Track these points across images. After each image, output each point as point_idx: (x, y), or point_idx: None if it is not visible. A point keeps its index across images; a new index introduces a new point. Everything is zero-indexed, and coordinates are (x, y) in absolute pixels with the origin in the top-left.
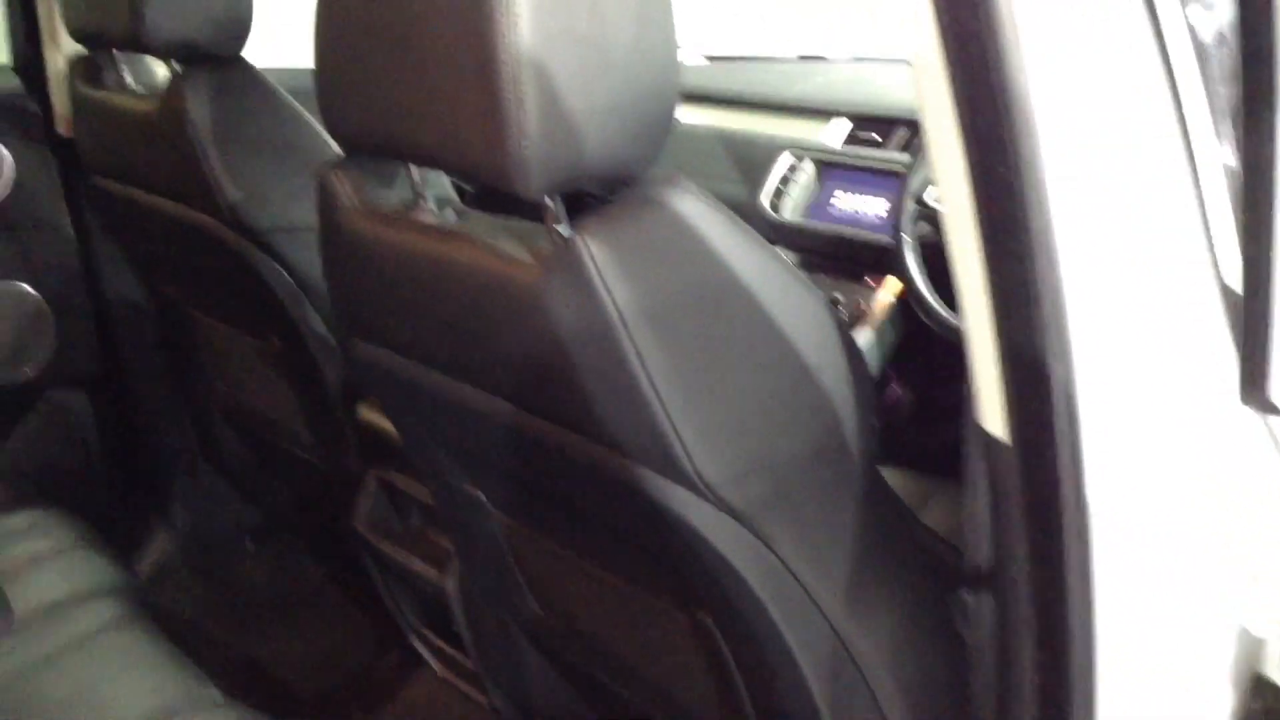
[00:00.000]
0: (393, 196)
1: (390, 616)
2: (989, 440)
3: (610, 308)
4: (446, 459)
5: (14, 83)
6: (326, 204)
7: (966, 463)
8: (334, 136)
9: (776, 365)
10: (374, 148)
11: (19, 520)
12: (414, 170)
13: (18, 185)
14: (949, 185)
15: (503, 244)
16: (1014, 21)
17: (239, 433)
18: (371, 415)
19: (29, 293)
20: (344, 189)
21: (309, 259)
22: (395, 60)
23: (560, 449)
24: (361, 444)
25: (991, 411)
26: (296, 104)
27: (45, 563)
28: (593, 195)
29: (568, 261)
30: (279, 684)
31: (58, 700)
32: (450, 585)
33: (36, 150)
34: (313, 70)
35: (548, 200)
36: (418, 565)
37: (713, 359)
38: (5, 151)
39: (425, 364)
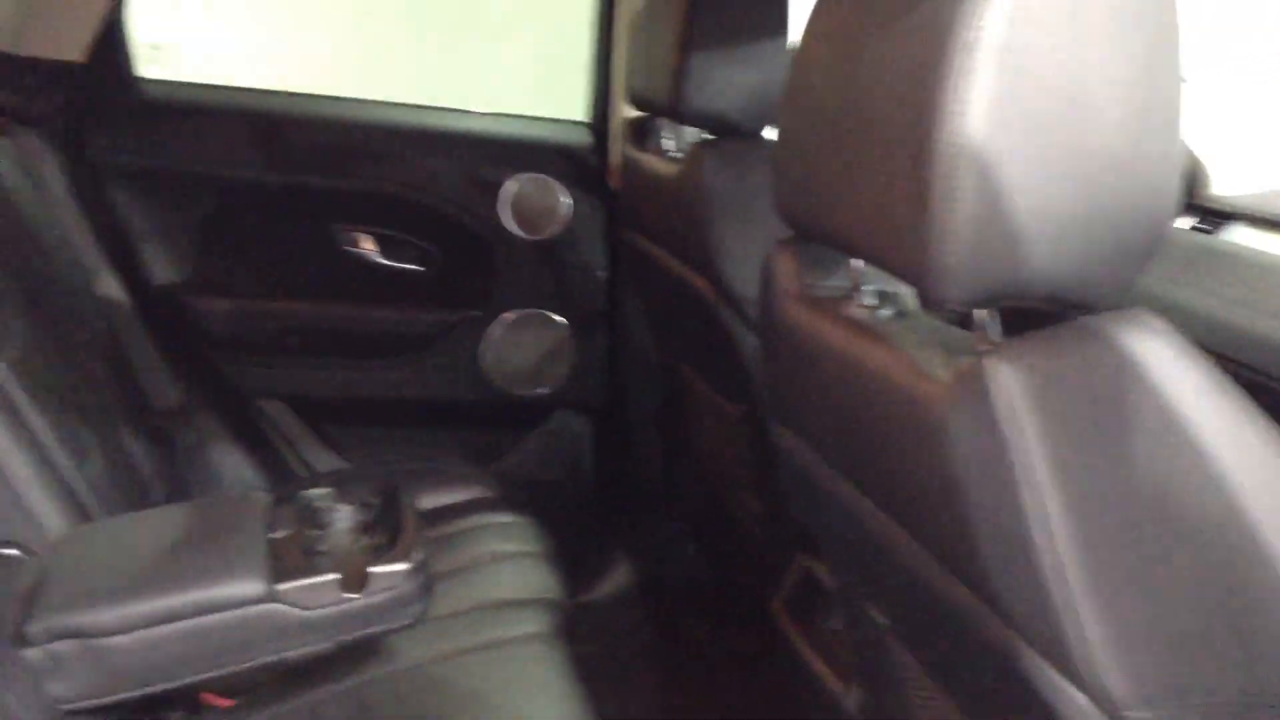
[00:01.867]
0: (832, 283)
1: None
2: None
3: (1014, 450)
4: (851, 572)
5: (586, 138)
6: (767, 281)
7: None
8: (781, 216)
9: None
10: (815, 233)
11: (501, 519)
12: (854, 259)
13: (569, 227)
14: None
15: (925, 354)
16: None
17: (700, 486)
18: None
19: (557, 321)
20: (784, 269)
21: None
22: (840, 142)
23: (946, 595)
24: (794, 528)
25: None
26: None
27: (505, 563)
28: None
29: (976, 386)
30: None
31: (465, 692)
32: (851, 705)
33: (590, 199)
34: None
35: (977, 313)
36: (821, 668)
37: (1146, 545)
38: (567, 196)
39: (830, 465)
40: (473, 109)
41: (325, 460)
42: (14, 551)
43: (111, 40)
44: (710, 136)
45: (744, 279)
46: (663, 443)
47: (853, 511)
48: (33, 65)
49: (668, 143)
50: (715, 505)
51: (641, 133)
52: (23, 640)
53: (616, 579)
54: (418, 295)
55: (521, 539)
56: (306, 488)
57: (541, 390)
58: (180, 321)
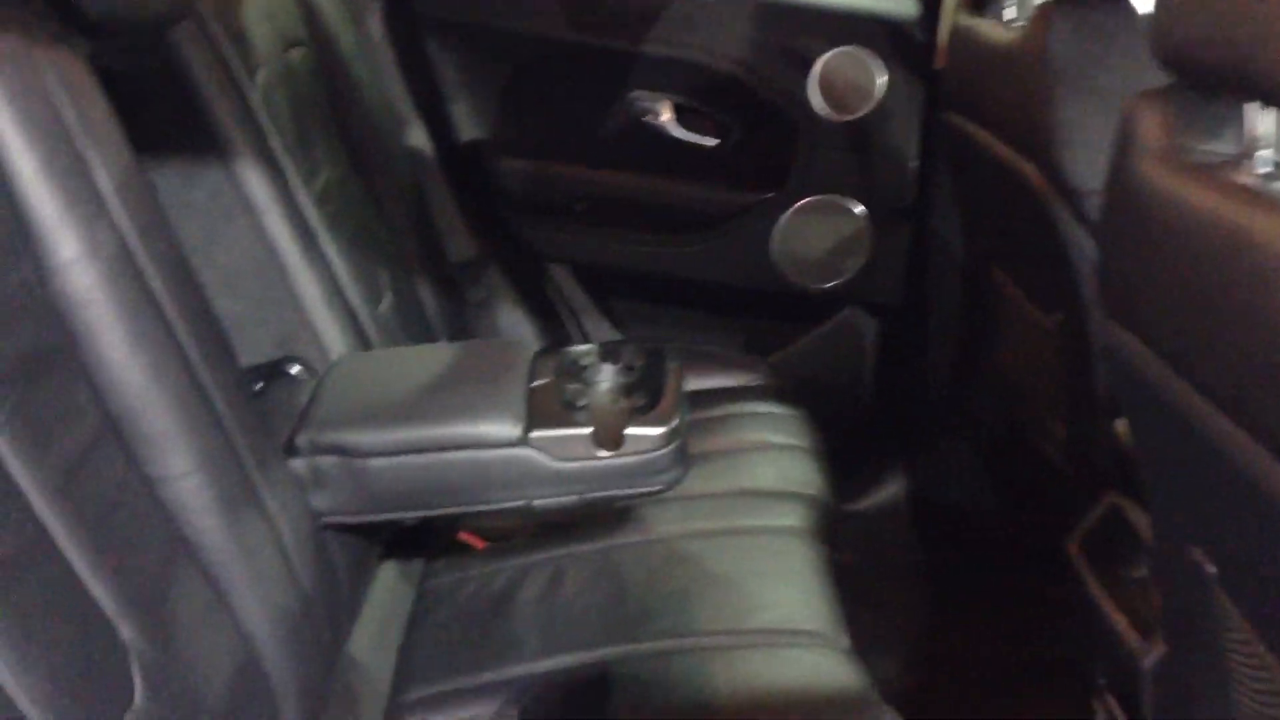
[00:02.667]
0: (1214, 146)
1: (1065, 658)
2: None
3: None
4: (1180, 506)
5: (912, 9)
6: (1123, 140)
7: None
8: (1158, 53)
9: None
10: (1207, 74)
11: (771, 409)
12: (1250, 113)
13: (882, 108)
14: None
15: None
16: None
17: (996, 405)
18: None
19: (855, 210)
20: (1150, 125)
21: None
22: None
23: None
24: (1108, 461)
25: None
26: None
27: (769, 453)
28: None
29: None
30: (901, 668)
31: (712, 572)
32: (1147, 663)
33: (909, 77)
34: None
35: None
36: (1118, 620)
37: None
38: (883, 73)
39: (1182, 375)
40: None
41: (602, 330)
42: (298, 369)
43: None
44: None
45: (1085, 168)
46: (958, 353)
47: (1203, 431)
48: None
49: (1009, 10)
50: (1012, 428)
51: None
52: (291, 450)
53: (886, 490)
54: (711, 171)
55: (790, 432)
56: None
57: (831, 283)
58: (479, 178)
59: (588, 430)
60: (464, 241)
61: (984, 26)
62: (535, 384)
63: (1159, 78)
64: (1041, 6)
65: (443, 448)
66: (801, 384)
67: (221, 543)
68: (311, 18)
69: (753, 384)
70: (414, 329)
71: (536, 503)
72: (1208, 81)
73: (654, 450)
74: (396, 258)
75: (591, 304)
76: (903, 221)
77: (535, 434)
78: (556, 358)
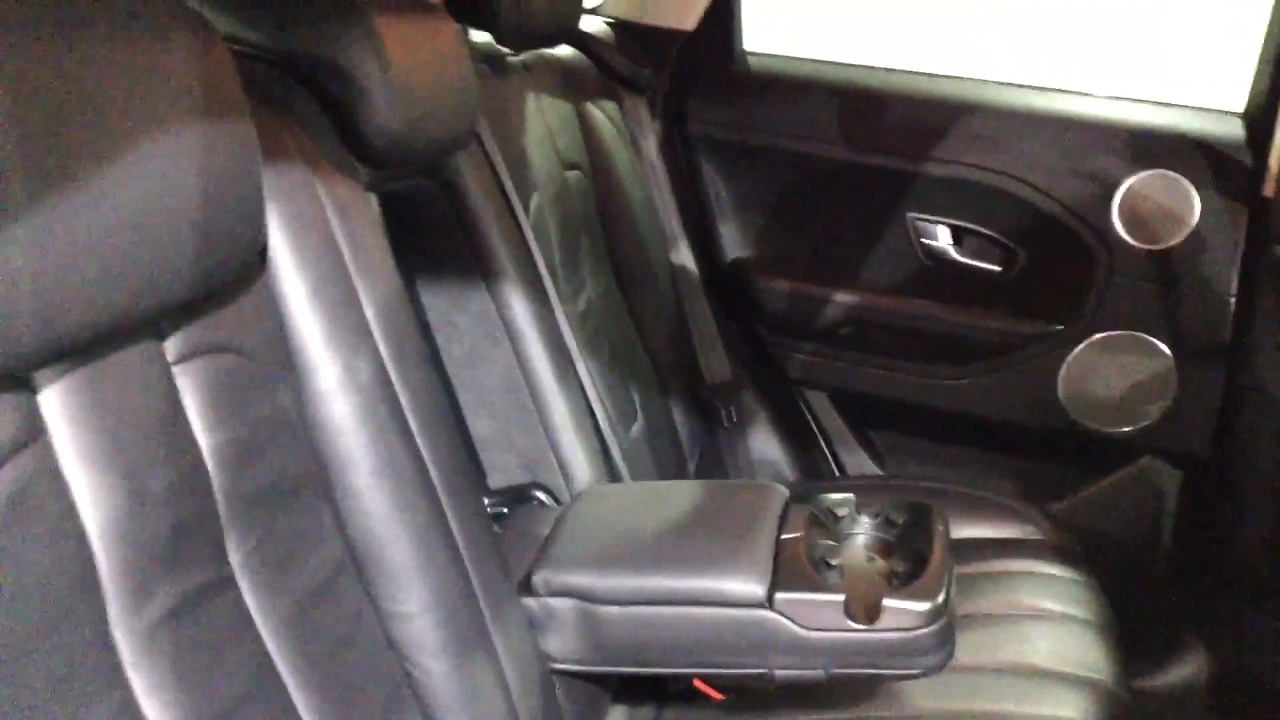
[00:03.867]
0: None
1: None
2: None
3: None
4: None
5: (1237, 131)
6: None
7: None
8: None
9: None
10: None
11: (1050, 569)
12: None
13: (1196, 237)
14: None
15: None
16: None
17: None
18: None
19: (1160, 349)
20: None
21: None
22: None
23: None
24: None
25: None
26: None
27: (1047, 624)
28: None
29: None
30: None
31: None
32: None
33: (1230, 204)
34: None
35: None
36: None
37: None
38: (1199, 199)
39: None
40: (1088, 90)
41: (857, 461)
42: (543, 496)
43: (722, 12)
44: None
45: None
46: (1277, 517)
47: None
48: (647, 34)
49: None
50: None
51: None
52: (526, 588)
53: (1184, 668)
54: (992, 299)
55: (1072, 599)
56: (830, 489)
57: (1128, 429)
58: (741, 298)
59: (840, 597)
60: (721, 363)
61: None
62: (785, 536)
63: None
64: None
65: (681, 602)
66: (1086, 539)
67: (447, 686)
68: (590, 140)
69: (1030, 537)
70: (664, 452)
71: (778, 673)
72: None
73: (915, 629)
74: (651, 378)
75: (850, 433)
76: (1215, 364)
77: (781, 596)
78: (811, 506)
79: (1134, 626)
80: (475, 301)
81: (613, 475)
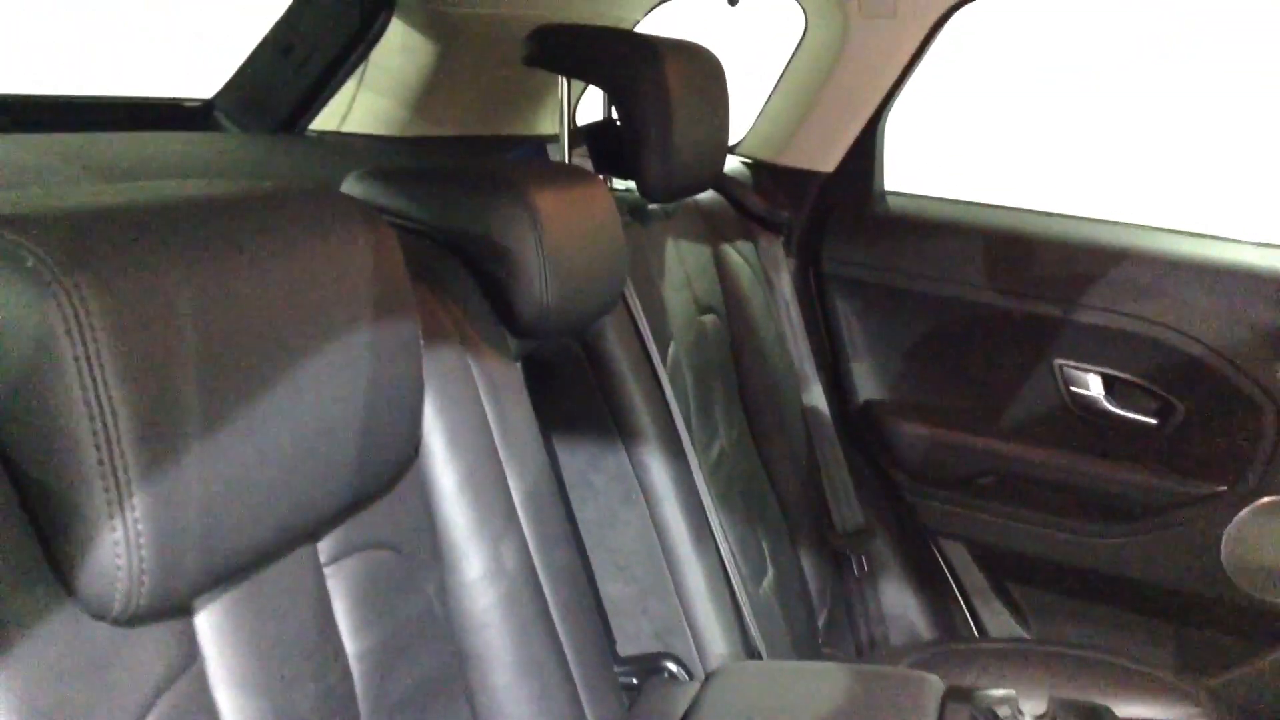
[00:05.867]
0: None
1: None
2: None
3: None
4: None
5: None
6: None
7: None
8: None
9: None
10: None
11: None
12: None
13: None
14: None
15: None
16: None
17: None
18: None
19: None
20: None
21: None
22: None
23: None
24: None
25: None
26: None
27: None
28: None
29: None
30: None
31: None
32: None
33: None
34: None
35: None
36: None
37: None
38: None
39: None
40: (1242, 238)
41: (1000, 622)
42: (674, 668)
43: (863, 152)
44: None
45: None
46: None
47: None
48: (787, 175)
49: None
50: None
51: None
52: None
53: None
54: (1147, 455)
55: None
56: (970, 654)
57: None
58: (876, 443)
59: None
60: (853, 509)
61: None
62: None
63: None
64: None
65: None
66: (1249, 718)
67: None
68: (726, 282)
69: (1189, 716)
70: (794, 606)
71: None
72: None
73: None
74: (782, 526)
75: (990, 590)
76: None
77: None
78: (971, 707)
79: None
80: (612, 461)
81: (746, 642)
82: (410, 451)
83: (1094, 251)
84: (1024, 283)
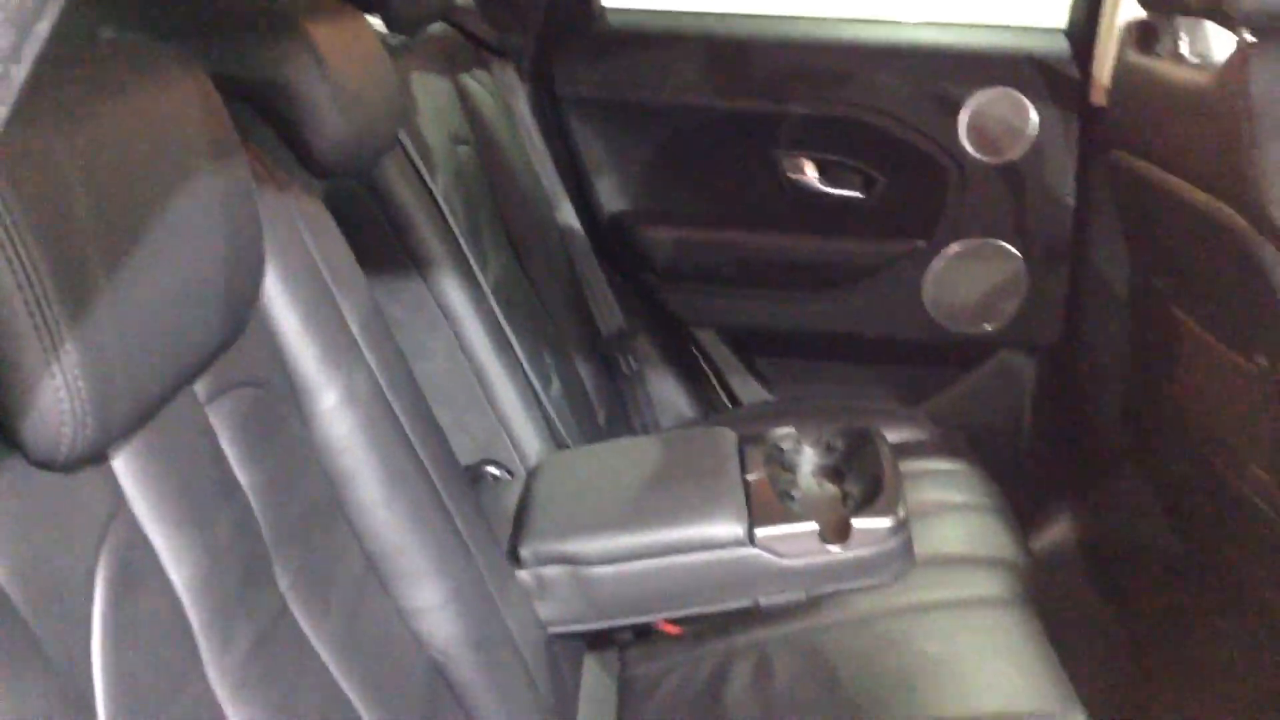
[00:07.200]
0: None
1: None
2: None
3: None
4: None
5: (1062, 46)
6: None
7: None
8: None
9: None
10: None
11: (942, 465)
12: None
13: (1036, 149)
14: None
15: None
16: None
17: (1179, 446)
18: None
19: (1011, 252)
20: None
21: None
22: None
23: None
24: None
25: None
26: None
27: (950, 515)
28: None
29: None
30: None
31: (925, 654)
32: None
33: (1063, 116)
34: None
35: None
36: None
37: None
38: (1035, 113)
39: None
40: (930, 19)
41: (750, 391)
42: (495, 471)
43: None
44: (1253, 39)
45: None
46: (1125, 393)
47: None
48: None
49: (1186, 45)
50: (1199, 467)
51: (1148, 36)
52: (515, 561)
53: (1056, 537)
54: (859, 224)
55: (968, 488)
56: (728, 421)
57: (986, 328)
58: (626, 250)
59: (813, 526)
60: (613, 314)
61: (1162, 66)
62: (750, 477)
63: None
64: (1238, 50)
65: (669, 552)
66: (960, 431)
67: (475, 670)
68: (471, 113)
69: (917, 438)
70: (579, 410)
71: (762, 600)
72: None
73: (884, 542)
74: (559, 340)
75: (741, 366)
76: (1059, 262)
77: (760, 532)
78: (763, 446)
79: (1011, 504)
80: (411, 294)
81: (556, 441)
82: (256, 292)
83: (799, 48)
84: (742, 84)
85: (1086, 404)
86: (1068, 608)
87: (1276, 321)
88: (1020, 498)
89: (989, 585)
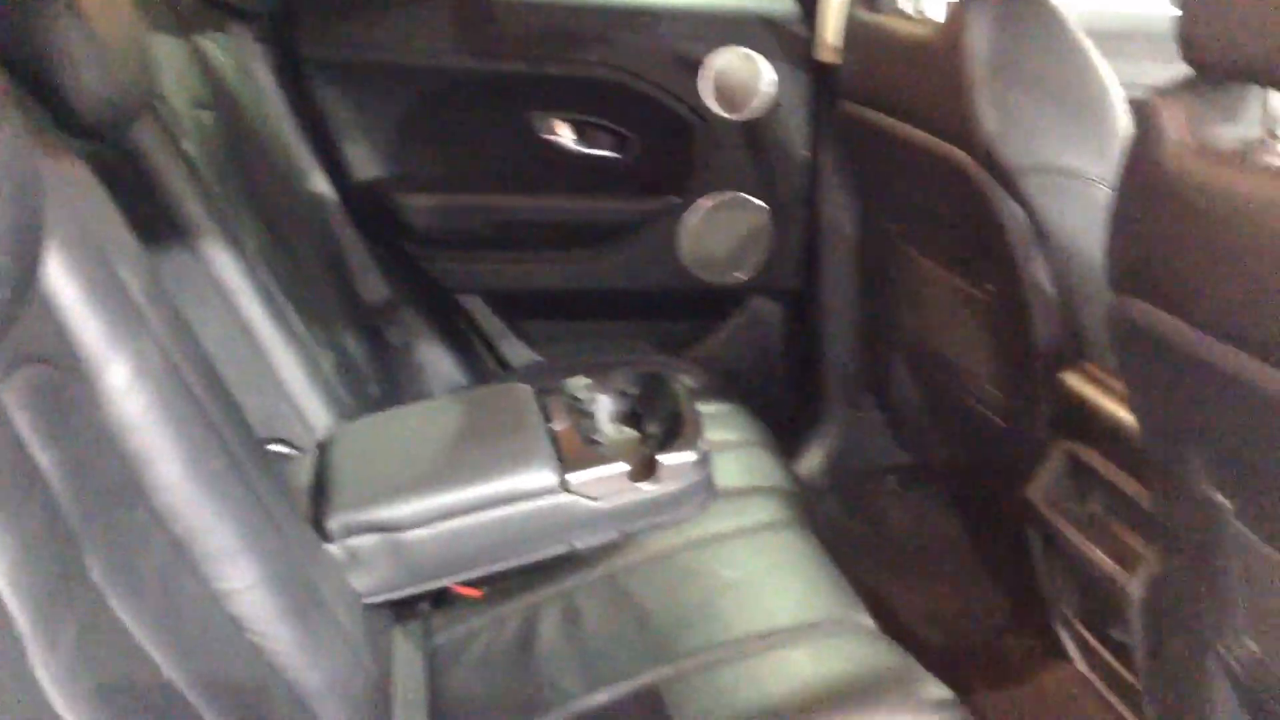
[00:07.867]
0: (1231, 133)
1: (1031, 592)
2: None
3: None
4: (1194, 452)
5: (791, 6)
6: (1144, 136)
7: None
8: (1186, 56)
9: None
10: (1227, 69)
11: (709, 408)
12: (1272, 99)
13: (773, 104)
14: None
15: None
16: None
17: (914, 374)
18: (1076, 383)
19: (757, 205)
20: (1172, 120)
21: (1057, 206)
22: None
23: None
24: (1056, 413)
25: None
26: (1088, 44)
27: (725, 451)
28: None
29: None
30: (901, 631)
31: (722, 580)
32: (1134, 590)
33: (796, 72)
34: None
35: None
36: (1096, 555)
37: None
38: (771, 70)
39: (1214, 333)
40: None
41: (520, 354)
42: (282, 448)
43: None
44: None
45: (1016, 149)
46: (864, 328)
47: (1243, 385)
48: None
49: (908, 3)
50: (934, 392)
51: None
52: (324, 536)
53: (810, 461)
54: (614, 183)
55: (737, 427)
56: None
57: (739, 277)
58: (383, 217)
59: (623, 466)
60: (376, 284)
61: (887, 21)
62: (555, 426)
63: (1077, 62)
64: (958, 3)
65: (484, 506)
66: (720, 377)
67: (297, 647)
68: (211, 77)
69: (686, 385)
70: (350, 382)
71: (578, 544)
72: (1231, 75)
73: (691, 477)
74: (323, 312)
75: (507, 330)
76: (800, 212)
77: (572, 477)
78: (561, 396)
79: (774, 438)
80: (176, 265)
81: (342, 415)
82: (35, 262)
83: (548, 9)
84: (493, 44)
85: (829, 342)
86: (828, 526)
87: (1003, 250)
88: (780, 431)
89: (769, 511)
